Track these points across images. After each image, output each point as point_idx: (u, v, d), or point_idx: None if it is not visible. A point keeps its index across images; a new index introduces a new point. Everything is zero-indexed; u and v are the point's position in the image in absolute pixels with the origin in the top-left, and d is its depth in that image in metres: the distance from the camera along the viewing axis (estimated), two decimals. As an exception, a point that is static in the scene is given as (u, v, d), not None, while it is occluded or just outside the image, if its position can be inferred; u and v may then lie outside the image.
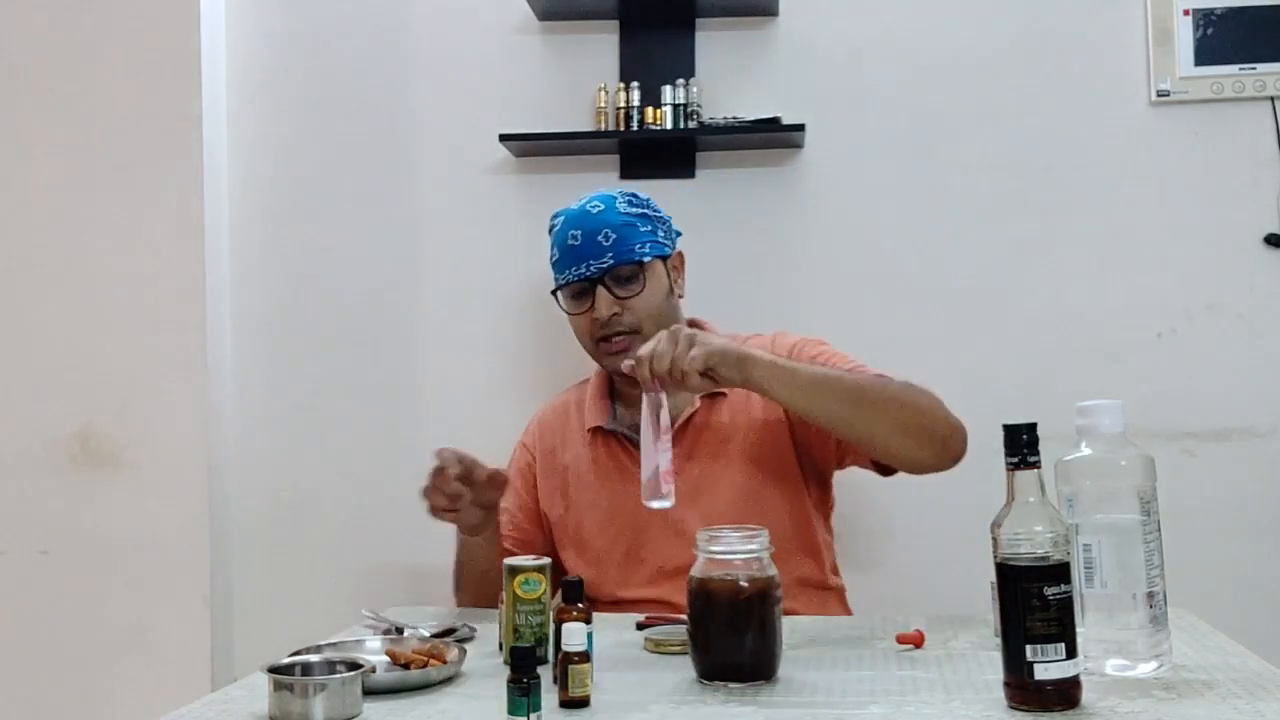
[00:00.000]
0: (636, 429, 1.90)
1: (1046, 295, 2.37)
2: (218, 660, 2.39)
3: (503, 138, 2.40)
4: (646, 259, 1.90)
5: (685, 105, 2.38)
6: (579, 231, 1.90)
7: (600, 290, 1.88)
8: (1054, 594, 1.15)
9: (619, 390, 1.98)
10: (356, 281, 2.51)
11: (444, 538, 2.46)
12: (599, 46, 2.46)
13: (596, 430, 1.94)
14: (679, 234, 2.02)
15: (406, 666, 1.33)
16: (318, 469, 2.50)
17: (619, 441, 1.92)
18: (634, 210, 1.92)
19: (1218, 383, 2.33)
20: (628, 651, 1.48)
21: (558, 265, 1.94)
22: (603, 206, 1.91)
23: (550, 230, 1.99)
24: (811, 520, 1.88)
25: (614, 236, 1.88)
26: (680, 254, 2.00)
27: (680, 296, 1.99)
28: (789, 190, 2.42)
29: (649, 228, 1.92)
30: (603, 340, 1.90)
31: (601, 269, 1.88)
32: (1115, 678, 1.26)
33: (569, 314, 1.96)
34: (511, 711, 1.15)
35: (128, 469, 2.40)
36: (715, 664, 1.32)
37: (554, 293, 1.98)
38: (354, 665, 1.25)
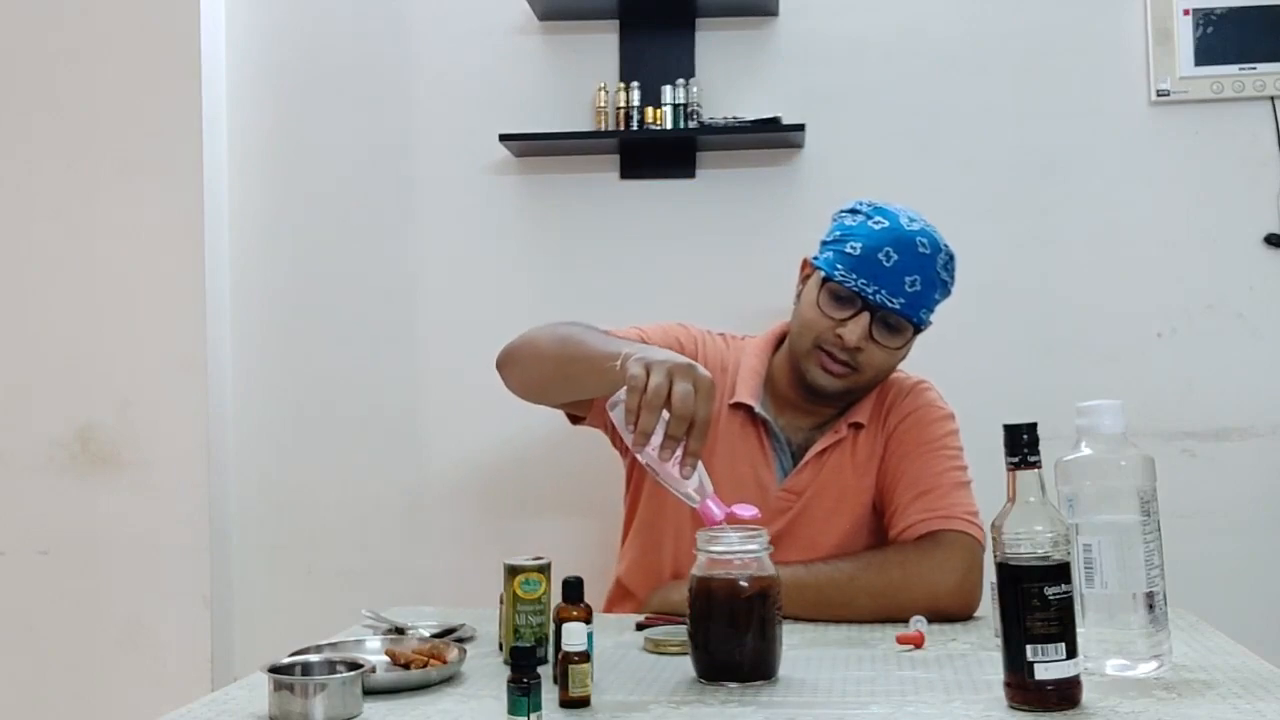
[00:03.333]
0: (778, 424, 1.84)
1: (1046, 295, 2.37)
2: (218, 660, 2.39)
3: (503, 138, 2.40)
4: (922, 326, 1.79)
5: (685, 105, 2.38)
6: (896, 256, 1.72)
7: (865, 317, 1.73)
8: (1054, 594, 1.15)
9: (773, 375, 1.87)
10: (356, 281, 2.51)
11: (444, 539, 2.48)
12: (599, 46, 2.46)
13: (739, 406, 1.83)
14: None
15: (406, 666, 1.33)
16: (318, 469, 2.50)
17: (756, 428, 1.82)
18: (944, 275, 1.78)
19: (1217, 383, 2.33)
20: (628, 651, 1.48)
21: (848, 260, 1.74)
22: (928, 251, 1.75)
23: (856, 215, 1.80)
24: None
25: (918, 288, 1.73)
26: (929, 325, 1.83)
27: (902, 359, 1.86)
28: (789, 190, 2.42)
29: (940, 298, 1.80)
30: (826, 352, 1.76)
31: (885, 305, 1.72)
32: (1115, 678, 1.26)
33: (817, 306, 1.77)
34: (511, 711, 1.15)
35: (128, 469, 2.40)
36: (715, 664, 1.31)
37: (817, 270, 1.79)
38: (354, 665, 1.25)
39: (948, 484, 1.76)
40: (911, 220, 1.78)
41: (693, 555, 1.34)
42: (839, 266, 1.75)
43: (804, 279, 1.85)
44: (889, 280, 1.73)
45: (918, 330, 1.80)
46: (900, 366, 1.89)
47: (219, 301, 2.48)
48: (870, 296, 1.73)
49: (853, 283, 1.73)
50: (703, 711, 1.21)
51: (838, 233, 1.80)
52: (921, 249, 1.74)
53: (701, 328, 1.93)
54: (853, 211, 1.82)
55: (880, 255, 1.73)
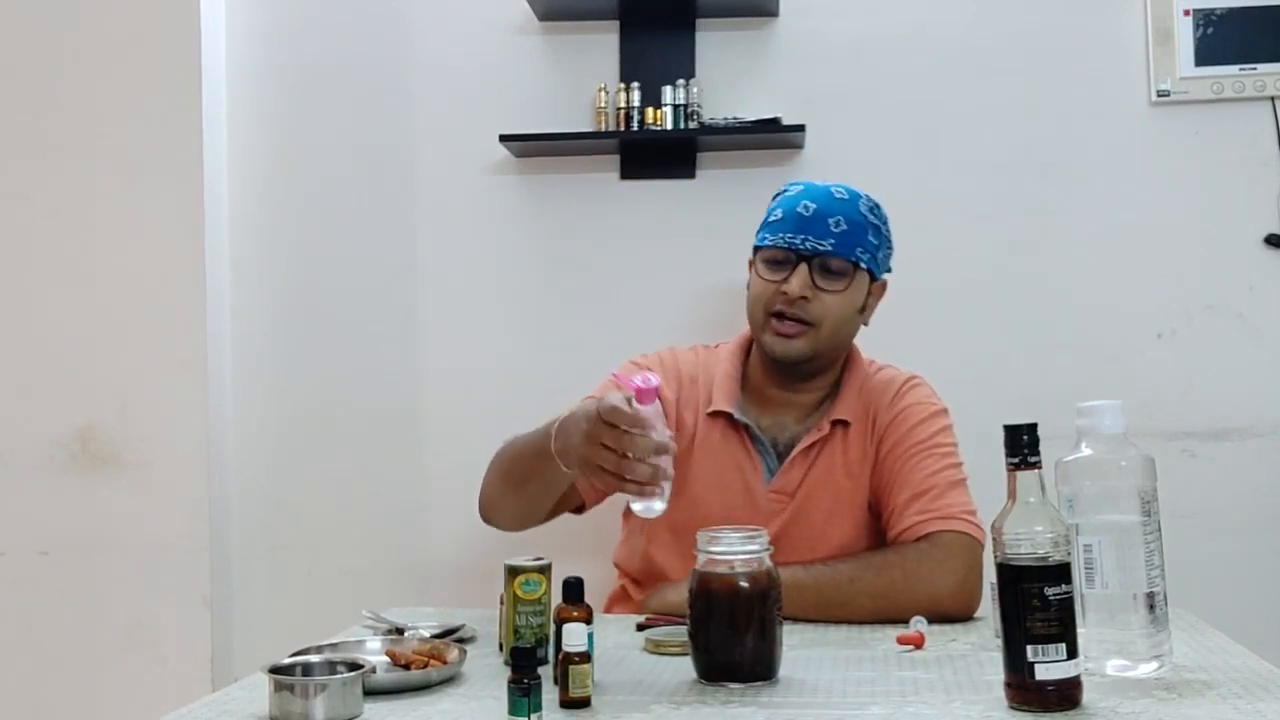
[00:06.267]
0: (760, 426, 1.85)
1: (1046, 295, 2.37)
2: (218, 660, 2.39)
3: (503, 138, 2.40)
4: (862, 264, 1.81)
5: (685, 105, 2.38)
6: (814, 205, 1.80)
7: (803, 268, 1.79)
8: (1054, 594, 1.15)
9: (749, 377, 1.90)
10: (356, 281, 2.51)
11: (444, 539, 2.48)
12: (599, 46, 2.46)
13: (718, 414, 1.84)
14: (889, 270, 1.92)
15: (407, 667, 1.33)
16: (318, 469, 2.49)
17: (738, 434, 1.84)
18: (872, 219, 1.83)
19: (1217, 383, 2.33)
20: (628, 651, 1.48)
21: (773, 226, 1.83)
22: (847, 197, 1.82)
23: (778, 195, 1.89)
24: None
25: (844, 227, 1.80)
26: (884, 284, 1.90)
27: (865, 324, 1.90)
28: (789, 190, 2.42)
29: (876, 241, 1.84)
30: (776, 316, 1.81)
31: (817, 250, 1.79)
32: (1116, 678, 1.26)
33: (758, 276, 1.85)
34: (512, 712, 1.15)
35: (128, 469, 2.40)
36: (715, 664, 1.31)
37: (756, 253, 1.87)
38: (354, 665, 1.25)
39: (943, 483, 1.76)
40: (830, 184, 1.85)
41: (692, 557, 1.34)
42: (766, 234, 1.85)
43: (750, 268, 1.91)
44: (813, 227, 1.80)
45: (864, 274, 1.83)
46: (897, 362, 1.89)
47: (219, 301, 2.48)
48: (799, 246, 1.80)
49: (780, 240, 1.81)
50: (703, 712, 1.21)
51: (766, 214, 1.89)
52: (838, 195, 1.83)
53: (668, 347, 1.97)
54: (776, 195, 1.91)
55: (799, 209, 1.82)
